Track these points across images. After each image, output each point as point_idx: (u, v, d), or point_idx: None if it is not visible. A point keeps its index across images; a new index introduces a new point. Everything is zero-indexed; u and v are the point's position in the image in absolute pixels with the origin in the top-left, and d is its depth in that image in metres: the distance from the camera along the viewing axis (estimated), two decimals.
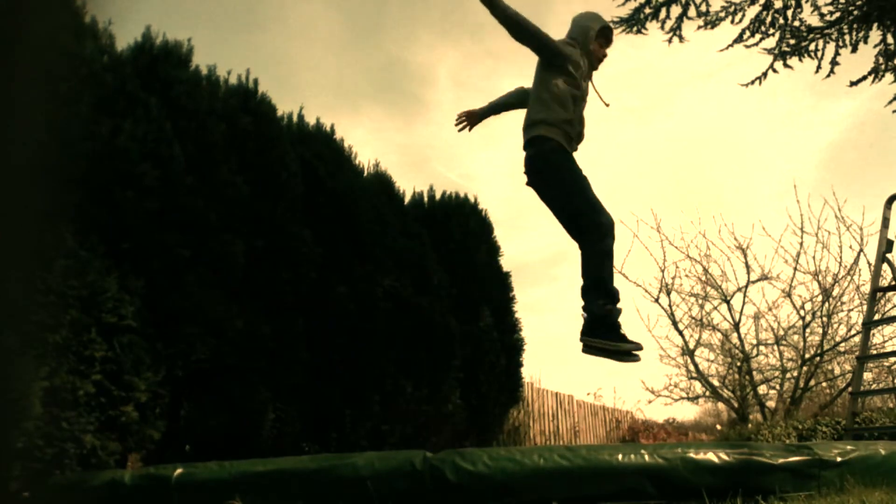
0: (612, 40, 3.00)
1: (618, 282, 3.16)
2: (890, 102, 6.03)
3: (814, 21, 5.98)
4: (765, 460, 2.38)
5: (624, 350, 2.61)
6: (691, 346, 10.13)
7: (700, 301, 10.09)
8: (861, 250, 9.11)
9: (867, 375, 9.78)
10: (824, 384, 10.18)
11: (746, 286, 9.82)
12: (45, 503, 2.74)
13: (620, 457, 2.35)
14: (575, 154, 2.87)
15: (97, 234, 3.53)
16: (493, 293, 6.93)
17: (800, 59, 6.13)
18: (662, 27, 6.22)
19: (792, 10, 5.96)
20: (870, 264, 8.67)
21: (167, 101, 4.21)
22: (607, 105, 3.01)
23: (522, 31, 2.66)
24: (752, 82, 6.35)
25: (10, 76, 1.59)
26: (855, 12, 5.73)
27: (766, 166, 23.81)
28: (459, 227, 6.78)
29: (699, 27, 6.20)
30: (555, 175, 2.79)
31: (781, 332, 9.96)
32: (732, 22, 6.12)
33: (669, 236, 12.32)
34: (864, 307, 6.43)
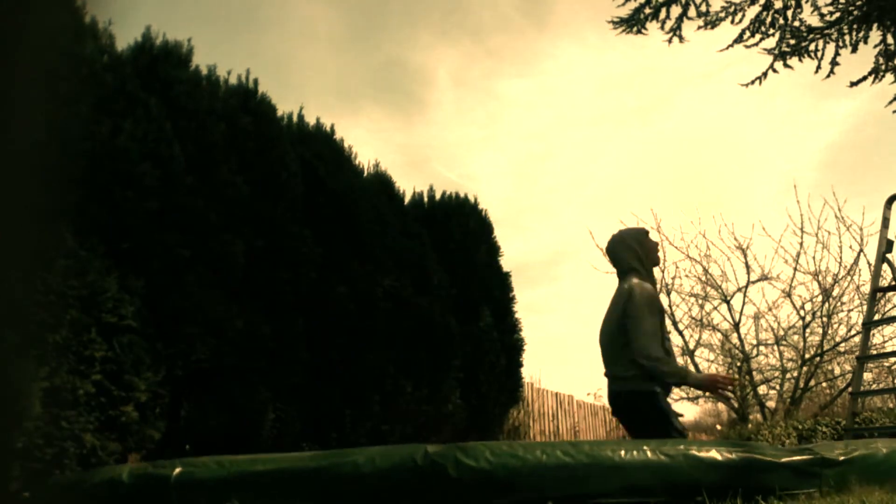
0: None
1: None
2: (890, 102, 6.02)
3: (814, 21, 5.97)
4: (767, 458, 2.37)
5: None
6: (691, 346, 10.14)
7: (700, 301, 10.11)
8: (861, 250, 9.12)
9: (867, 375, 9.79)
10: (824, 384, 10.19)
11: (746, 286, 9.84)
12: (45, 503, 2.73)
13: (623, 453, 2.34)
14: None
15: (97, 234, 3.53)
16: (494, 293, 6.93)
17: (800, 60, 6.12)
18: (662, 27, 6.21)
19: (792, 10, 5.95)
20: (870, 264, 8.68)
21: (167, 101, 4.21)
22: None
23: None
24: (752, 82, 6.34)
25: (10, 76, 1.59)
26: (855, 12, 5.72)
27: (766, 166, 23.85)
28: (459, 227, 6.78)
29: (699, 27, 6.19)
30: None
31: (781, 333, 9.97)
32: (732, 22, 6.11)
33: (669, 236, 12.31)
34: (864, 307, 6.43)
